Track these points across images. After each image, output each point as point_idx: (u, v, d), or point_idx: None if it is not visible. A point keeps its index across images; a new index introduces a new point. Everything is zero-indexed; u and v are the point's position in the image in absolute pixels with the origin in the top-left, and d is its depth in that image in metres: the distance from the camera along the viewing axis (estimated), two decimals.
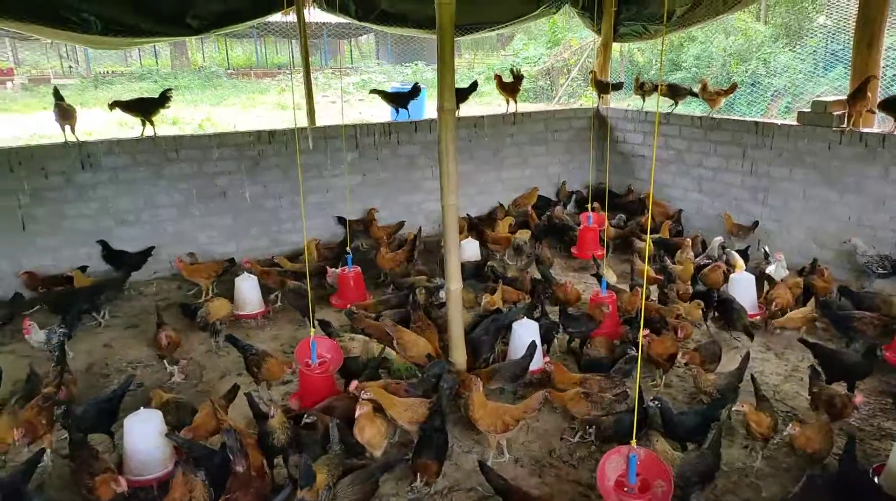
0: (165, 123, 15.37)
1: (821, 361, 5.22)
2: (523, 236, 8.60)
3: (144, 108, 8.06)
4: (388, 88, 13.26)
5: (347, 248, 7.46)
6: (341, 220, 8.94)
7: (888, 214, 6.79)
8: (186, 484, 3.75)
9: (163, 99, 8.10)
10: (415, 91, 9.43)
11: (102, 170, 7.76)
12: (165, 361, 5.83)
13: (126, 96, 8.45)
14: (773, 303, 6.23)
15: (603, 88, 10.15)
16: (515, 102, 9.87)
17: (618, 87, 10.43)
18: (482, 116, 9.82)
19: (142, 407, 4.56)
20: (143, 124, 8.01)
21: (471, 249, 7.99)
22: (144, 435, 4.30)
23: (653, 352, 5.36)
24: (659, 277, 7.02)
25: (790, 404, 5.20)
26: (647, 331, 5.46)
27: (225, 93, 23.20)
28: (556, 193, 10.39)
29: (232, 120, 13.38)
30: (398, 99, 9.46)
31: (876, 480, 4.12)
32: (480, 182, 9.98)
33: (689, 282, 6.91)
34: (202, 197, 8.32)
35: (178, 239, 8.26)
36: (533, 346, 5.25)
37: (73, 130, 7.61)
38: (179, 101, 19.31)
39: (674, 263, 7.35)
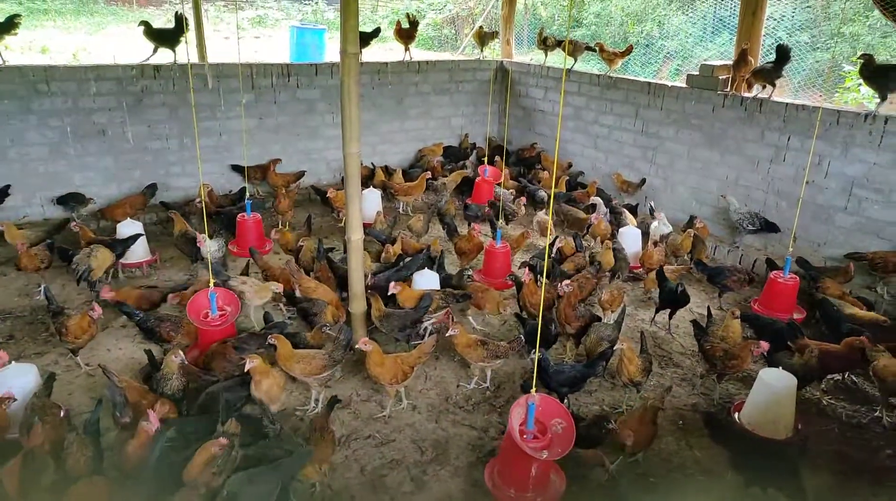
0: (33, 51, 13.84)
1: (756, 330, 5.41)
2: (455, 178, 8.70)
3: None
4: (290, 25, 12.46)
5: (248, 194, 7.19)
6: (237, 167, 8.51)
7: (761, 174, 7.35)
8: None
9: (9, 24, 7.16)
10: (179, 28, 7.56)
11: None
12: (76, 356, 4.94)
13: None
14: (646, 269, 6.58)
15: (483, 38, 10.40)
16: (408, 49, 9.69)
17: (493, 36, 10.58)
18: (386, 63, 9.58)
19: (13, 361, 4.25)
20: None
21: (372, 199, 7.89)
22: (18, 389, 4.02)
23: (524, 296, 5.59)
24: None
25: (665, 349, 5.64)
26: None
27: (103, 20, 21.10)
28: (458, 144, 10.42)
29: (111, 52, 12.21)
30: (163, 37, 7.72)
31: (736, 416, 4.59)
32: (383, 131, 9.81)
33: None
34: (78, 135, 7.63)
35: (51, 180, 7.58)
36: (427, 299, 5.31)
37: None
38: (49, 27, 17.41)
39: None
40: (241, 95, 8.20)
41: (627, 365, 4.60)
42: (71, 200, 7.39)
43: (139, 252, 6.53)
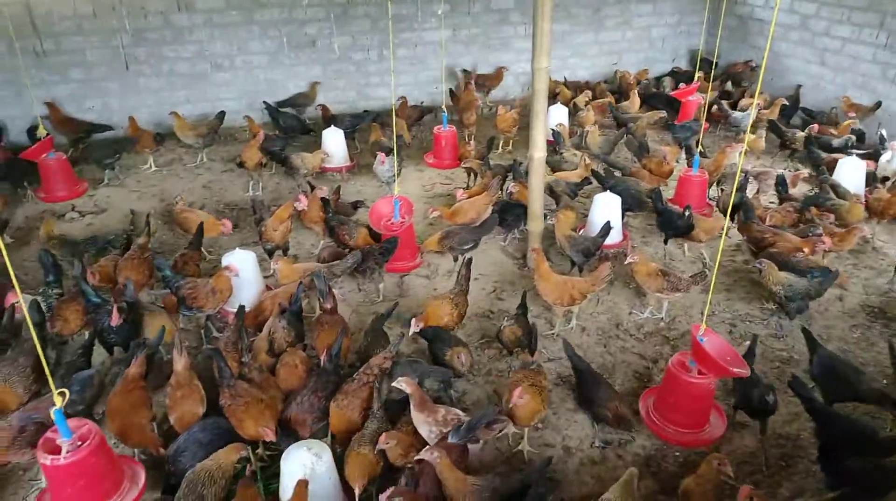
0: None
1: None
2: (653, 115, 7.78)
3: None
4: None
5: (443, 107, 7.39)
6: (465, 72, 8.71)
7: None
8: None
9: None
10: None
11: (197, 12, 7.81)
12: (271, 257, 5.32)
13: None
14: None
15: None
16: None
17: None
18: None
19: (238, 247, 4.94)
20: None
21: (557, 116, 7.67)
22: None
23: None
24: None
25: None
26: None
27: None
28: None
29: None
30: None
31: None
32: (576, 44, 9.39)
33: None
34: (292, 45, 8.29)
35: (270, 87, 8.38)
36: (608, 226, 5.17)
37: None
38: None
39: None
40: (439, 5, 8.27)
41: None
42: (298, 102, 8.21)
43: (338, 157, 7.09)
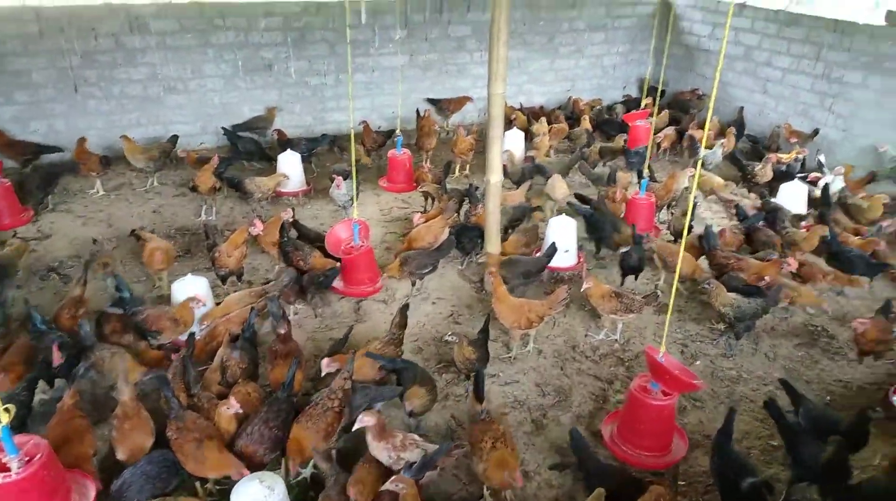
0: None
1: None
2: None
3: None
4: None
5: (397, 131, 7.41)
6: (432, 101, 8.92)
7: None
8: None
9: None
10: None
11: (150, 34, 7.68)
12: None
13: None
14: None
15: None
16: None
17: None
18: None
19: (189, 273, 4.82)
20: None
21: (514, 142, 7.76)
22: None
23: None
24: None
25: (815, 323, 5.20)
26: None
27: None
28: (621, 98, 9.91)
29: None
30: None
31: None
32: (531, 70, 9.58)
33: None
34: (248, 69, 8.23)
35: (225, 111, 8.28)
36: (553, 247, 5.25)
37: None
38: None
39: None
40: (395, 30, 8.35)
41: None
42: (255, 125, 8.14)
43: (295, 181, 7.02)
